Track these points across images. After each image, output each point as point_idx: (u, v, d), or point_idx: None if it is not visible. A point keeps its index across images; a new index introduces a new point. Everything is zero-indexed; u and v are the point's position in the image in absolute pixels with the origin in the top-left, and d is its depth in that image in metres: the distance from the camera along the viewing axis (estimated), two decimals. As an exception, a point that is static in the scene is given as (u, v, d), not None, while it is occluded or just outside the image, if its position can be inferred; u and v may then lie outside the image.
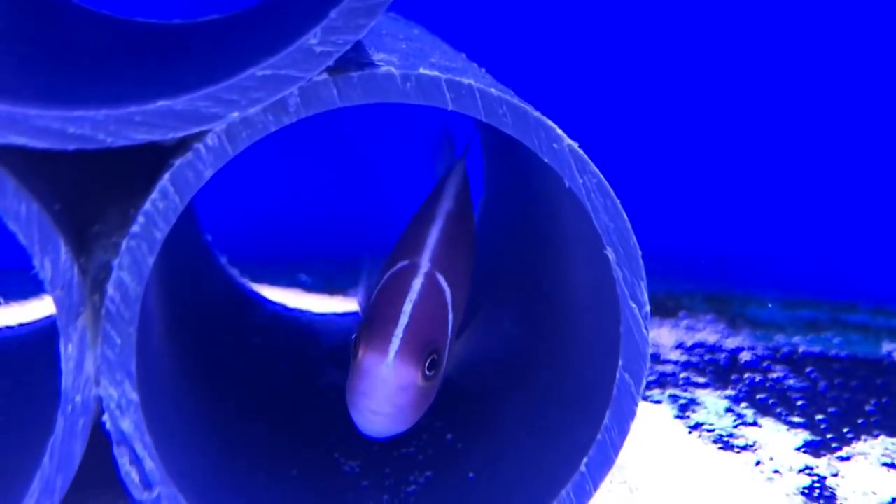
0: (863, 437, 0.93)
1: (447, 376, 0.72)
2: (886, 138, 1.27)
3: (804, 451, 0.90)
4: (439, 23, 1.04)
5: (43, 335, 0.88)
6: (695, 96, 1.27)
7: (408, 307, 0.66)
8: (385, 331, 0.65)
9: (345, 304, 1.13)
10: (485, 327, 0.74)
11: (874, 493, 0.83)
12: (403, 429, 0.66)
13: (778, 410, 0.98)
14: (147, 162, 0.63)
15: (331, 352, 0.98)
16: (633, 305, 0.64)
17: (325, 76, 0.59)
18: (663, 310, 1.20)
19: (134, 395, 0.60)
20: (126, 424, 0.60)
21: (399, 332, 0.65)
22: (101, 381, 0.60)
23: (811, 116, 1.26)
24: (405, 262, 0.70)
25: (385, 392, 0.64)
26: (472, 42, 0.92)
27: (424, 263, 0.69)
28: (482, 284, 0.89)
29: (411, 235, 0.73)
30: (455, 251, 0.73)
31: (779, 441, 0.92)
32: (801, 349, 1.14)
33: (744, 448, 0.90)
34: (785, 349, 1.14)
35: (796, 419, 0.96)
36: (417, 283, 0.68)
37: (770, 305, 1.19)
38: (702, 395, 1.01)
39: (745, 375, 1.06)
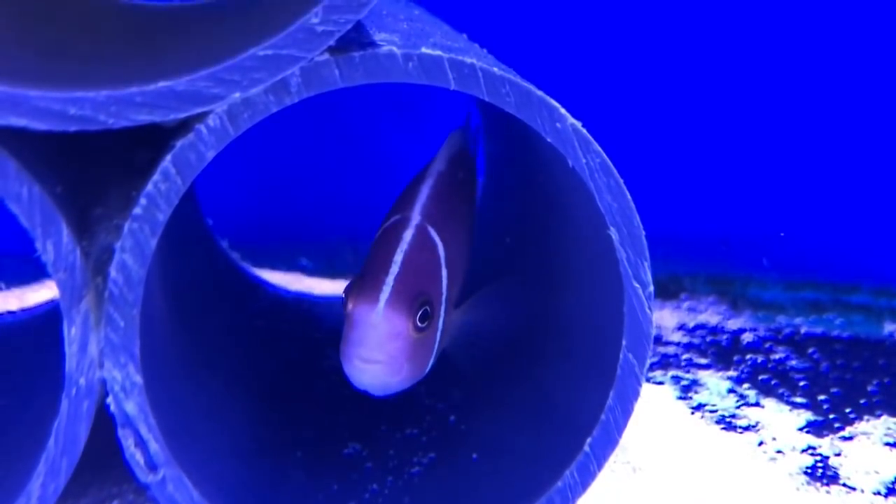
0: (865, 417, 0.93)
1: (447, 349, 0.71)
2: (888, 119, 1.26)
3: (807, 432, 0.90)
4: (440, 4, 1.03)
5: (45, 320, 0.88)
6: (697, 79, 1.26)
7: (398, 256, 0.66)
8: (375, 280, 0.64)
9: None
10: (488, 302, 0.73)
11: (877, 473, 0.83)
12: (397, 382, 0.65)
13: (780, 391, 0.98)
14: (148, 143, 0.63)
15: (332, 335, 0.98)
16: (637, 286, 0.64)
17: (326, 56, 0.59)
18: (665, 291, 1.20)
19: (138, 378, 0.60)
20: (130, 407, 0.60)
21: (389, 280, 0.64)
22: (104, 364, 0.60)
23: (813, 98, 1.26)
24: (396, 217, 0.69)
25: (376, 340, 0.63)
26: (472, 23, 0.92)
27: (415, 217, 0.69)
28: (485, 266, 0.88)
29: (403, 196, 0.73)
30: (449, 210, 0.72)
31: (781, 421, 0.92)
32: (803, 330, 1.14)
33: (746, 429, 0.90)
34: (787, 330, 1.14)
35: (798, 400, 0.96)
36: (408, 235, 0.68)
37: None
38: (704, 376, 1.01)
39: (748, 356, 1.06)
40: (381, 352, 0.63)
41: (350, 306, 0.64)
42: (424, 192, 0.71)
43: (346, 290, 0.66)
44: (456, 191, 0.76)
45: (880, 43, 1.24)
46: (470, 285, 0.80)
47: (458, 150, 0.80)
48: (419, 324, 0.65)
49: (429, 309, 0.65)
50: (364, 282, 0.65)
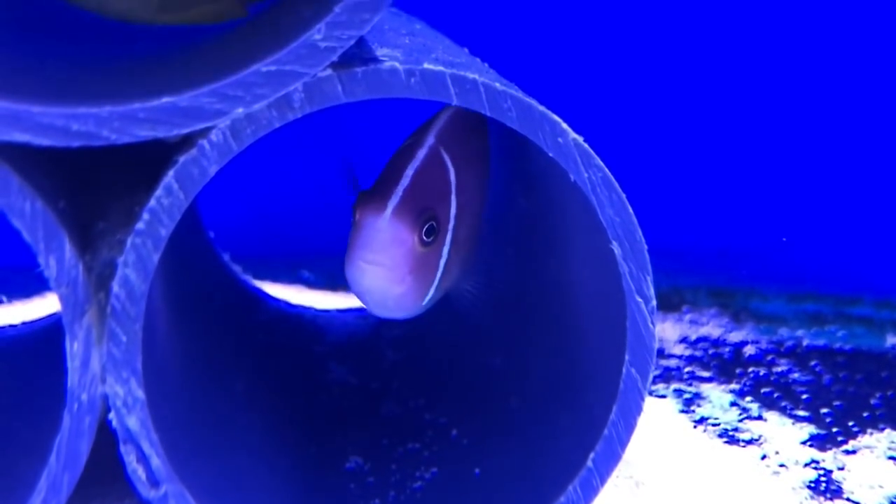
0: (868, 430, 0.93)
1: (449, 296, 0.71)
2: (889, 131, 1.26)
3: (810, 445, 0.90)
4: (441, 19, 1.03)
5: (46, 334, 0.88)
6: (698, 91, 1.26)
7: (409, 171, 0.68)
8: (385, 191, 0.66)
9: (347, 301, 1.13)
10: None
11: (881, 487, 0.83)
12: (396, 293, 0.66)
13: (783, 404, 0.98)
14: (151, 159, 0.63)
15: (334, 348, 0.98)
16: (640, 300, 0.64)
17: (329, 72, 0.59)
18: (667, 304, 1.19)
19: (140, 393, 0.60)
20: (132, 422, 0.60)
21: (398, 191, 0.66)
22: (106, 379, 0.59)
23: (814, 110, 1.26)
24: (411, 140, 0.71)
25: (380, 243, 0.64)
26: (473, 38, 0.92)
27: (430, 139, 0.70)
28: (487, 278, 0.88)
29: (422, 126, 0.74)
30: (464, 146, 0.73)
31: (784, 435, 0.92)
32: (805, 342, 1.14)
33: (749, 442, 0.90)
34: (789, 343, 1.14)
35: (801, 413, 0.96)
36: (421, 153, 0.69)
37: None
38: (706, 389, 1.01)
39: (750, 369, 1.06)
40: (384, 255, 0.64)
41: (358, 213, 0.66)
42: (442, 120, 0.72)
43: (356, 202, 0.67)
44: (473, 135, 0.77)
45: (881, 55, 1.24)
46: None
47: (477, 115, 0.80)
48: (424, 237, 0.66)
49: (434, 224, 0.67)
50: (373, 192, 0.66)
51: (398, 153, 0.70)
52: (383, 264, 0.64)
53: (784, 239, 1.25)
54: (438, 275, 0.69)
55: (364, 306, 0.69)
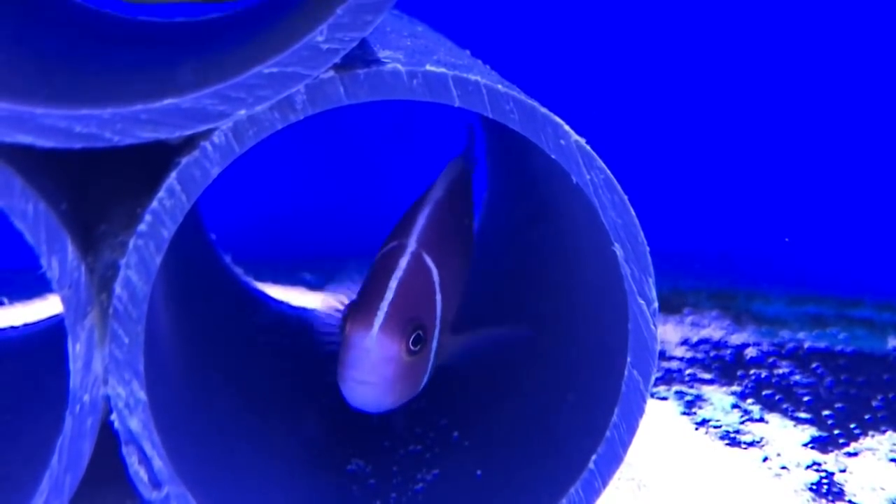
0: (870, 432, 0.93)
1: (444, 365, 0.74)
2: (889, 134, 1.26)
3: (811, 447, 0.90)
4: (442, 21, 1.04)
5: (48, 335, 0.88)
6: (700, 95, 1.26)
7: (393, 283, 0.70)
8: (371, 306, 0.68)
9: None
10: (486, 340, 0.77)
11: (882, 489, 0.83)
12: (391, 403, 0.69)
13: (784, 406, 0.98)
14: (153, 160, 0.63)
15: (335, 350, 0.98)
16: (641, 302, 0.64)
17: (331, 73, 0.59)
18: (668, 306, 1.19)
19: (142, 394, 0.60)
20: (134, 423, 0.60)
21: (384, 306, 0.68)
22: (109, 381, 0.59)
23: (815, 113, 1.26)
24: (394, 244, 0.73)
25: (369, 363, 0.67)
26: (475, 40, 0.92)
27: (411, 244, 0.72)
28: (487, 281, 0.88)
29: (401, 223, 0.76)
30: (445, 236, 0.75)
31: (786, 437, 0.92)
32: (806, 345, 1.14)
33: (751, 444, 0.90)
34: (790, 345, 1.14)
35: (803, 415, 0.96)
36: (404, 262, 0.71)
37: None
38: (708, 391, 1.01)
39: (751, 371, 1.06)
40: (374, 374, 0.67)
41: (347, 330, 0.68)
42: (421, 220, 0.74)
43: (344, 314, 0.70)
44: (453, 217, 0.79)
45: (882, 58, 1.25)
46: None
47: (458, 175, 0.82)
48: (412, 347, 0.68)
49: (421, 333, 0.69)
50: (360, 307, 0.69)
51: (380, 259, 0.72)
52: (374, 383, 0.67)
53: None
54: (429, 368, 0.71)
55: None
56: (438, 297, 0.71)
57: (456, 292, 0.75)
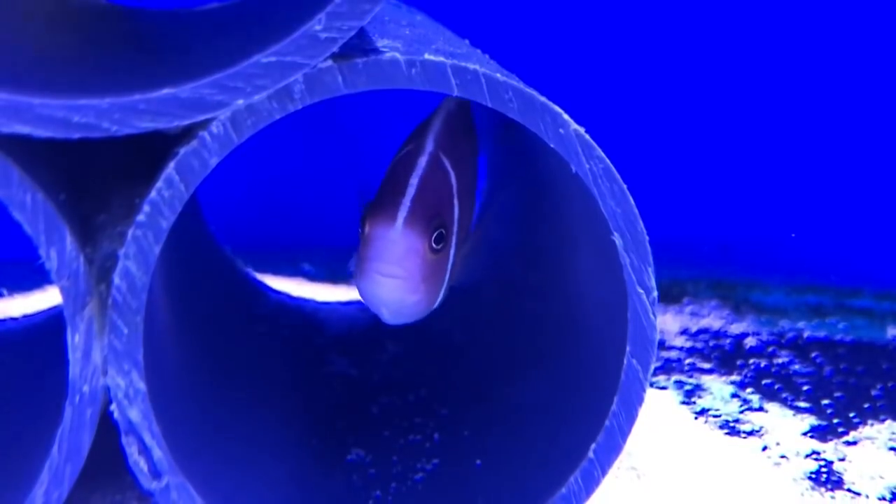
0: (869, 421, 0.93)
1: (454, 287, 0.72)
2: (888, 124, 1.26)
3: (811, 436, 0.90)
4: (441, 10, 1.03)
5: (47, 326, 0.88)
6: (699, 84, 1.26)
7: (414, 180, 0.68)
8: (393, 201, 0.66)
9: (349, 293, 1.13)
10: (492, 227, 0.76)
11: (881, 478, 0.83)
12: (412, 302, 0.66)
13: (784, 395, 0.98)
14: (152, 151, 0.63)
15: (335, 340, 0.98)
16: (641, 291, 0.64)
17: (329, 63, 0.59)
18: (667, 296, 1.19)
19: (141, 385, 0.60)
20: (134, 414, 0.60)
21: (407, 201, 0.66)
22: (108, 371, 0.59)
23: (814, 104, 1.26)
24: (411, 146, 0.72)
25: (395, 255, 0.65)
26: (474, 29, 0.92)
27: (429, 145, 0.71)
28: (488, 272, 0.88)
29: (416, 131, 0.74)
30: (459, 146, 0.74)
31: (785, 426, 0.92)
32: (806, 334, 1.14)
33: (750, 433, 0.90)
34: (790, 334, 1.14)
35: (802, 404, 0.96)
36: (423, 161, 0.70)
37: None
38: (707, 380, 1.01)
39: (751, 361, 1.06)
40: (400, 266, 0.65)
41: (368, 226, 0.66)
42: (437, 124, 0.73)
43: (363, 214, 0.67)
44: (463, 133, 0.78)
45: (881, 48, 1.24)
46: (471, 288, 0.80)
47: (462, 103, 0.81)
48: (434, 245, 0.66)
49: (443, 231, 0.67)
50: (382, 203, 0.67)
51: (398, 161, 0.71)
52: (399, 276, 0.65)
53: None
54: (447, 277, 0.69)
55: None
56: (456, 200, 0.70)
57: (469, 203, 0.74)
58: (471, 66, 0.61)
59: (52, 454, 0.60)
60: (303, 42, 0.58)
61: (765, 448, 0.88)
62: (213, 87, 0.58)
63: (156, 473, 0.61)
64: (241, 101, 0.58)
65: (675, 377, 1.02)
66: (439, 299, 0.70)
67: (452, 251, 0.69)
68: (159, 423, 0.60)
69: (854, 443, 0.89)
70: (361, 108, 1.28)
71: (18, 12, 0.71)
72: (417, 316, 0.69)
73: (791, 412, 0.95)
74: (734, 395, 0.98)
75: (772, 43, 1.25)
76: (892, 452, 0.87)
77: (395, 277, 0.65)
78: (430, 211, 0.67)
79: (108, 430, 0.61)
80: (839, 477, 0.83)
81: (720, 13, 1.24)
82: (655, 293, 0.64)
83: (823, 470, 0.84)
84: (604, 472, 0.65)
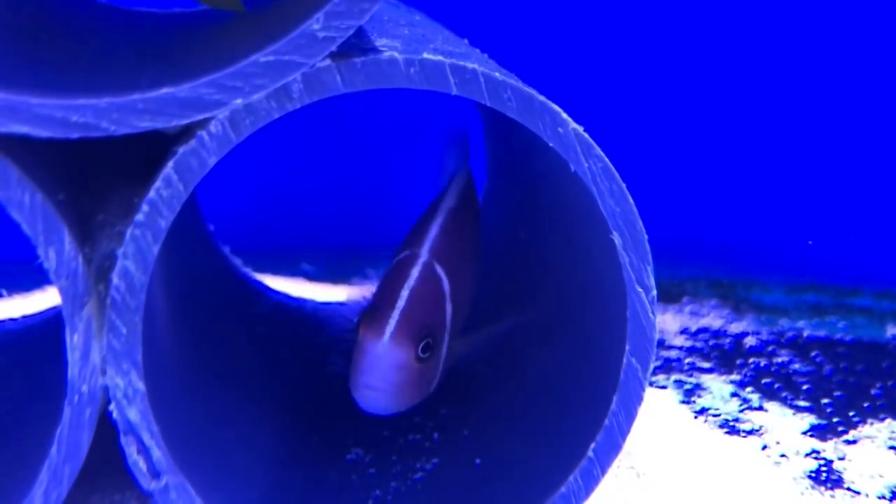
0: (869, 420, 0.93)
1: (451, 367, 0.76)
2: (887, 124, 1.26)
3: (810, 435, 0.90)
4: (440, 9, 1.03)
5: (46, 326, 0.88)
6: (699, 84, 1.26)
7: (405, 292, 0.72)
8: (383, 314, 0.71)
9: (347, 293, 1.13)
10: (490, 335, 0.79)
11: (881, 476, 0.83)
12: (401, 406, 0.71)
13: (784, 395, 0.98)
14: (150, 150, 0.62)
15: (334, 340, 0.98)
16: (640, 290, 0.64)
17: (328, 62, 0.59)
18: (667, 295, 1.19)
19: (140, 385, 0.60)
20: (133, 414, 0.60)
21: (396, 314, 0.70)
22: (107, 371, 0.59)
23: (813, 104, 1.26)
24: (406, 253, 0.75)
25: (381, 370, 0.69)
26: (472, 29, 0.92)
27: (423, 254, 0.74)
28: (487, 270, 0.88)
29: (415, 231, 0.78)
30: (456, 245, 0.78)
31: (785, 425, 0.92)
32: (805, 333, 1.14)
33: (750, 432, 0.90)
34: (790, 334, 1.14)
35: (802, 403, 0.96)
36: (415, 272, 0.73)
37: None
38: (707, 379, 1.01)
39: (751, 360, 1.06)
40: (385, 381, 0.69)
41: (360, 336, 0.70)
42: (434, 229, 0.77)
43: (358, 319, 0.72)
44: (463, 224, 0.81)
45: (880, 49, 1.24)
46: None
47: (467, 183, 0.85)
48: (421, 354, 0.70)
49: (431, 341, 0.71)
50: (373, 315, 0.71)
51: (393, 268, 0.74)
52: (385, 390, 0.69)
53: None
54: (438, 373, 0.73)
55: None
56: (448, 305, 0.74)
57: (465, 299, 0.78)
58: (469, 65, 0.61)
59: (50, 454, 0.59)
60: (301, 41, 0.58)
61: (764, 447, 0.88)
62: (212, 86, 0.58)
63: (155, 473, 0.61)
64: (239, 101, 0.58)
65: (674, 376, 1.02)
66: (432, 387, 0.74)
67: (444, 349, 0.73)
68: (158, 422, 0.60)
69: (854, 442, 0.89)
70: (360, 108, 1.28)
71: (16, 12, 0.71)
72: (409, 406, 0.72)
73: (791, 411, 0.95)
74: (734, 395, 0.98)
75: (771, 44, 1.25)
76: (891, 451, 0.87)
77: (381, 391, 0.69)
78: (418, 323, 0.71)
79: (107, 430, 0.61)
80: (839, 476, 0.83)
81: (720, 13, 1.24)
82: (655, 292, 0.64)
83: (823, 469, 0.84)
84: (603, 471, 0.65)
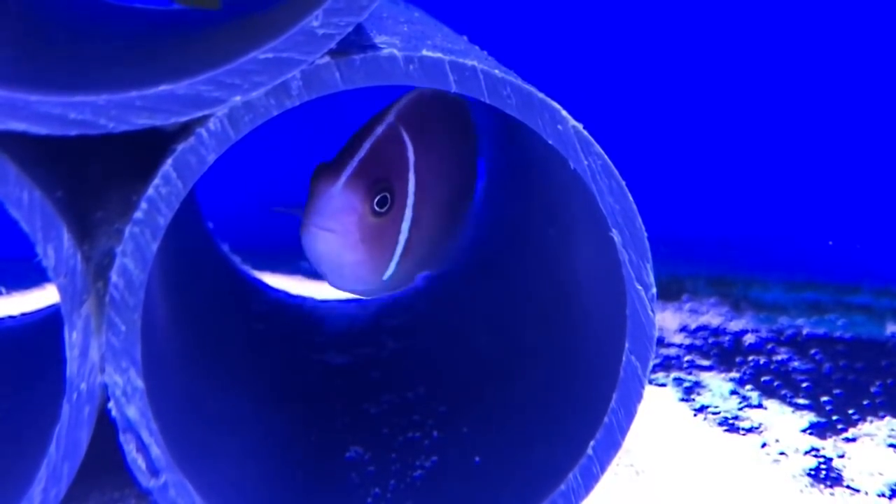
0: (868, 418, 0.93)
1: (410, 290, 0.73)
2: (887, 121, 1.26)
3: (810, 433, 0.90)
4: (439, 6, 1.03)
5: (45, 324, 0.88)
6: (698, 82, 1.26)
7: (366, 144, 0.70)
8: (340, 161, 0.69)
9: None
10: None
11: (880, 474, 0.83)
12: (351, 261, 0.68)
13: (783, 392, 0.98)
14: (149, 147, 0.62)
15: (334, 338, 0.98)
16: (640, 288, 0.64)
17: (327, 59, 0.59)
18: (667, 293, 1.19)
19: (139, 382, 0.60)
20: (132, 411, 0.60)
21: (353, 162, 0.69)
22: (106, 369, 0.59)
23: (813, 100, 1.26)
24: (373, 119, 0.74)
25: (331, 210, 0.67)
26: (472, 26, 0.92)
27: (390, 117, 0.73)
28: (486, 268, 0.88)
29: (387, 107, 0.76)
30: (431, 131, 0.76)
31: (784, 423, 0.92)
32: (805, 331, 1.14)
33: (749, 430, 0.90)
34: (789, 331, 1.14)
35: (801, 401, 0.96)
36: (380, 129, 0.72)
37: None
38: (706, 377, 1.01)
39: (750, 358, 1.06)
40: (335, 221, 0.67)
41: (313, 182, 0.68)
42: (406, 99, 0.75)
43: (313, 173, 0.69)
44: (443, 125, 0.79)
45: (880, 46, 1.24)
46: (469, 286, 0.80)
47: (451, 98, 0.81)
48: (376, 207, 0.68)
49: (388, 196, 0.69)
50: (331, 164, 0.69)
51: (359, 130, 0.73)
52: (334, 230, 0.67)
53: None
54: (398, 249, 0.71)
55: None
56: (412, 174, 0.71)
57: (435, 191, 0.75)
58: (469, 62, 0.61)
59: (49, 452, 0.59)
60: (300, 38, 0.58)
61: (764, 445, 0.88)
62: (210, 83, 0.57)
63: (154, 471, 0.61)
64: (238, 98, 0.58)
65: (674, 374, 1.02)
66: (390, 271, 0.71)
67: (406, 224, 0.71)
68: (157, 420, 0.60)
69: (853, 439, 0.89)
70: (359, 104, 1.28)
71: (14, 9, 0.71)
72: (364, 283, 0.70)
73: (790, 409, 0.95)
74: (733, 392, 0.98)
75: (770, 42, 1.25)
76: (891, 449, 0.87)
77: (330, 231, 0.66)
78: (376, 174, 0.68)
79: (106, 428, 0.61)
80: (838, 474, 0.83)
81: (720, 12, 1.24)
82: (654, 290, 0.64)
83: (822, 467, 0.84)
84: (603, 469, 0.65)
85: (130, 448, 0.60)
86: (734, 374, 1.02)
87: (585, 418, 0.66)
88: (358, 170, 0.68)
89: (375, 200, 0.68)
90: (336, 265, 0.68)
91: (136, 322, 0.59)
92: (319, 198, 0.67)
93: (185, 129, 0.59)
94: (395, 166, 0.71)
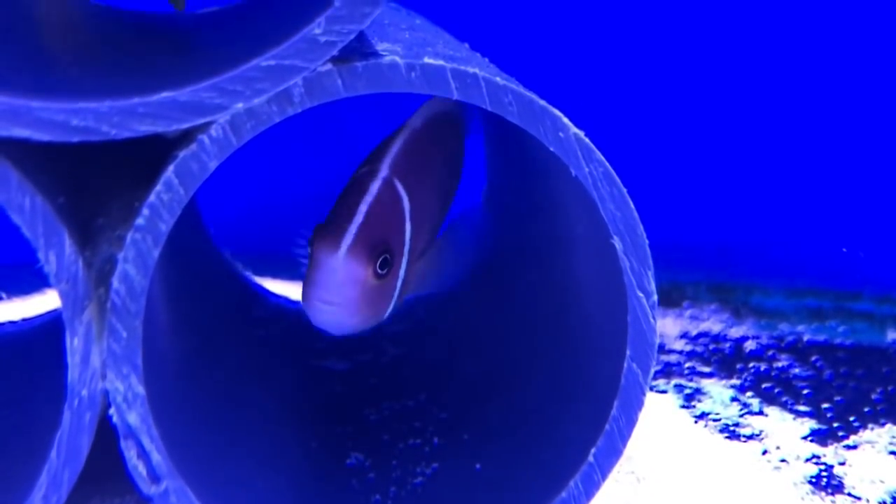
0: (869, 425, 0.93)
1: (410, 299, 0.73)
2: (888, 127, 1.26)
3: (811, 440, 0.90)
4: (441, 14, 1.03)
5: (46, 330, 0.88)
6: (698, 88, 1.26)
7: (363, 207, 0.69)
8: (339, 227, 0.68)
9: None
10: (449, 248, 0.77)
11: (882, 482, 0.83)
12: (355, 325, 0.69)
13: (784, 399, 0.98)
14: (151, 154, 0.62)
15: (335, 344, 0.98)
16: (641, 295, 0.64)
17: (329, 66, 0.59)
18: (667, 299, 1.19)
19: (140, 389, 0.60)
20: (133, 418, 0.60)
21: (353, 228, 0.68)
22: (107, 375, 0.59)
23: (814, 106, 1.26)
24: (365, 169, 0.73)
25: (335, 283, 0.67)
26: (474, 33, 0.92)
27: (384, 170, 0.72)
28: (487, 274, 0.88)
29: (376, 150, 0.76)
30: (420, 165, 0.75)
31: (785, 430, 0.92)
32: (805, 338, 1.14)
33: (750, 437, 0.90)
34: (790, 338, 1.14)
35: (802, 408, 0.96)
36: (374, 187, 0.71)
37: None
38: (707, 384, 1.01)
39: (751, 364, 1.06)
40: (339, 295, 0.67)
41: (314, 250, 0.68)
42: (395, 147, 0.74)
43: (313, 235, 0.69)
44: (432, 147, 0.78)
45: (879, 50, 1.24)
46: (469, 291, 0.80)
47: (441, 111, 0.81)
48: (378, 271, 0.68)
49: (388, 257, 0.69)
50: (329, 228, 0.68)
51: (352, 183, 0.72)
52: (339, 304, 0.67)
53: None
54: (395, 295, 0.71)
55: None
56: (408, 225, 0.71)
57: (429, 222, 0.75)
58: (470, 69, 0.61)
59: (50, 458, 0.59)
60: (302, 45, 0.58)
61: (765, 452, 0.87)
62: (213, 90, 0.58)
63: (154, 477, 0.61)
64: (240, 105, 0.58)
65: (674, 381, 1.02)
66: (388, 312, 0.71)
67: (402, 271, 0.71)
68: (158, 427, 0.60)
69: (854, 447, 0.89)
70: (362, 112, 1.28)
71: (16, 16, 0.71)
72: (363, 328, 0.70)
73: (791, 416, 0.95)
74: (734, 399, 0.98)
75: (770, 47, 1.25)
76: (892, 456, 0.87)
77: (335, 305, 0.67)
78: (376, 238, 0.68)
79: (107, 434, 0.61)
80: (839, 481, 0.83)
81: (719, 16, 1.25)
82: (655, 297, 0.64)
83: (823, 474, 0.84)
84: (604, 477, 0.65)
85: (131, 454, 0.60)
86: (735, 381, 1.02)
87: (586, 425, 0.66)
88: (358, 236, 0.67)
89: (377, 264, 0.68)
90: (339, 329, 0.69)
91: (138, 328, 0.59)
92: (321, 269, 0.67)
93: (187, 136, 0.59)
94: (392, 222, 0.70)
